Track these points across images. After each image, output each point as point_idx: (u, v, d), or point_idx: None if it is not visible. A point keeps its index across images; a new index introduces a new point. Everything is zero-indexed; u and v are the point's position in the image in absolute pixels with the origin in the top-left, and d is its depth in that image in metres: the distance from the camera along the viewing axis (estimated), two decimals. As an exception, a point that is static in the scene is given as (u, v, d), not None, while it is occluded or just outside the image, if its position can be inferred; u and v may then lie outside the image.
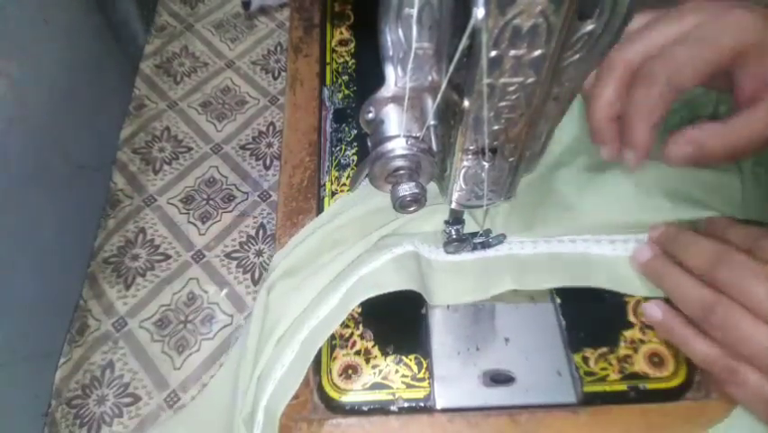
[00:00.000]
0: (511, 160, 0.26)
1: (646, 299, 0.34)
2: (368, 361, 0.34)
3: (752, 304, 0.26)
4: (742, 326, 0.26)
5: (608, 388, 0.33)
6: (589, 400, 0.32)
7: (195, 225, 0.47)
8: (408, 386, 0.33)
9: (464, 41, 0.19)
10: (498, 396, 0.33)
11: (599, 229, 0.35)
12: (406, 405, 0.33)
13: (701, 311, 0.28)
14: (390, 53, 0.22)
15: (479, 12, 0.17)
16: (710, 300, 0.28)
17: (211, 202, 0.48)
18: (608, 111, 0.30)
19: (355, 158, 0.42)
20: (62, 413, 0.39)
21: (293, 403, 0.33)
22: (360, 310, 0.35)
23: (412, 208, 0.28)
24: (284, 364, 0.34)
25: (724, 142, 0.29)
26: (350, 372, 0.34)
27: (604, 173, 0.36)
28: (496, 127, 0.23)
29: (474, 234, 0.35)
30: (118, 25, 0.67)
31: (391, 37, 0.22)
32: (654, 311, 0.32)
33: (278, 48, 0.57)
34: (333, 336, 0.35)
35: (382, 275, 0.34)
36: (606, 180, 0.36)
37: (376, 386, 0.33)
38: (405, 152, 0.25)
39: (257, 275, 0.44)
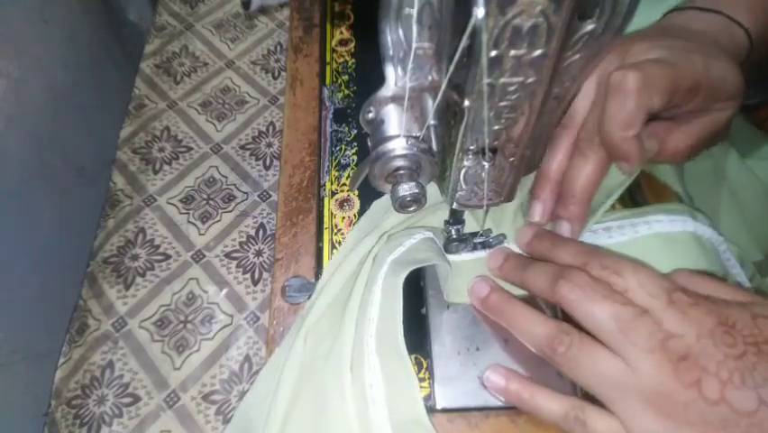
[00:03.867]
0: (512, 159, 0.26)
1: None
2: (368, 361, 0.34)
3: (593, 326, 0.26)
4: (585, 359, 0.26)
5: (608, 388, 0.33)
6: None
7: (195, 224, 0.47)
8: (408, 386, 0.33)
9: (464, 41, 0.19)
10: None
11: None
12: (406, 405, 0.32)
13: (548, 347, 0.27)
14: (390, 53, 0.22)
15: (479, 11, 0.17)
16: (554, 334, 0.27)
17: (211, 202, 0.48)
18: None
19: (355, 158, 0.42)
20: (62, 413, 0.39)
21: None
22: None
23: (412, 208, 0.28)
24: (374, 383, 0.31)
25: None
26: (350, 372, 0.34)
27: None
28: (496, 127, 0.23)
29: (474, 234, 0.35)
30: (118, 25, 0.67)
31: (391, 37, 0.22)
32: (497, 379, 0.30)
33: (278, 48, 0.57)
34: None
35: (415, 253, 0.34)
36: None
37: (376, 386, 0.33)
38: (405, 151, 0.25)
39: (257, 275, 0.44)
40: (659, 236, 0.34)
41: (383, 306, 0.32)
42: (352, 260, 0.35)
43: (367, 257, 0.35)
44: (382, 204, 0.39)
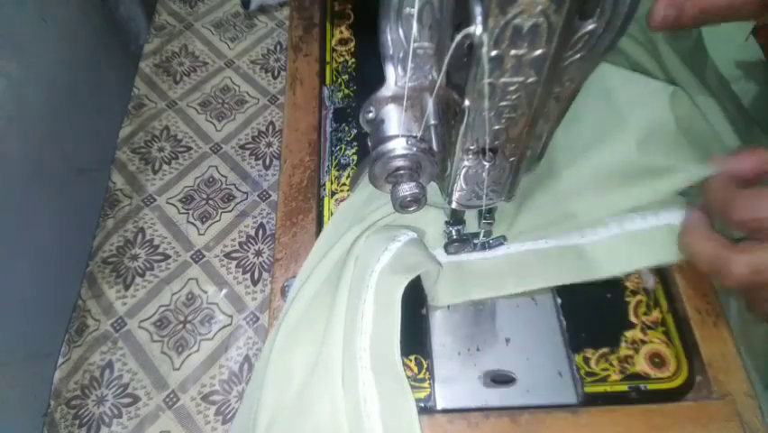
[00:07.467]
0: (512, 159, 0.26)
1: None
2: (368, 361, 0.34)
3: None
4: None
5: (608, 388, 0.33)
6: (590, 400, 0.32)
7: (194, 224, 0.47)
8: (409, 387, 0.33)
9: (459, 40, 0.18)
10: (498, 397, 0.32)
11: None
12: (406, 406, 0.32)
13: (752, 212, 0.26)
14: (391, 52, 0.22)
15: (477, 28, 0.17)
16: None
17: (210, 202, 0.48)
18: None
19: (355, 158, 0.42)
20: (61, 413, 0.39)
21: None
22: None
23: (412, 208, 0.28)
24: (368, 398, 0.30)
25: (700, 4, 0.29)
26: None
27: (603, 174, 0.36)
28: (496, 127, 0.23)
29: (475, 235, 0.35)
30: (118, 25, 0.67)
31: (392, 36, 0.22)
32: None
33: (278, 47, 0.57)
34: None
35: (405, 259, 0.33)
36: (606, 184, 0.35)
37: (376, 387, 0.33)
38: (405, 151, 0.25)
39: (256, 275, 0.44)
40: (629, 235, 0.34)
41: (377, 320, 0.32)
42: (329, 261, 0.34)
43: (347, 258, 0.34)
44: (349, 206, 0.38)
